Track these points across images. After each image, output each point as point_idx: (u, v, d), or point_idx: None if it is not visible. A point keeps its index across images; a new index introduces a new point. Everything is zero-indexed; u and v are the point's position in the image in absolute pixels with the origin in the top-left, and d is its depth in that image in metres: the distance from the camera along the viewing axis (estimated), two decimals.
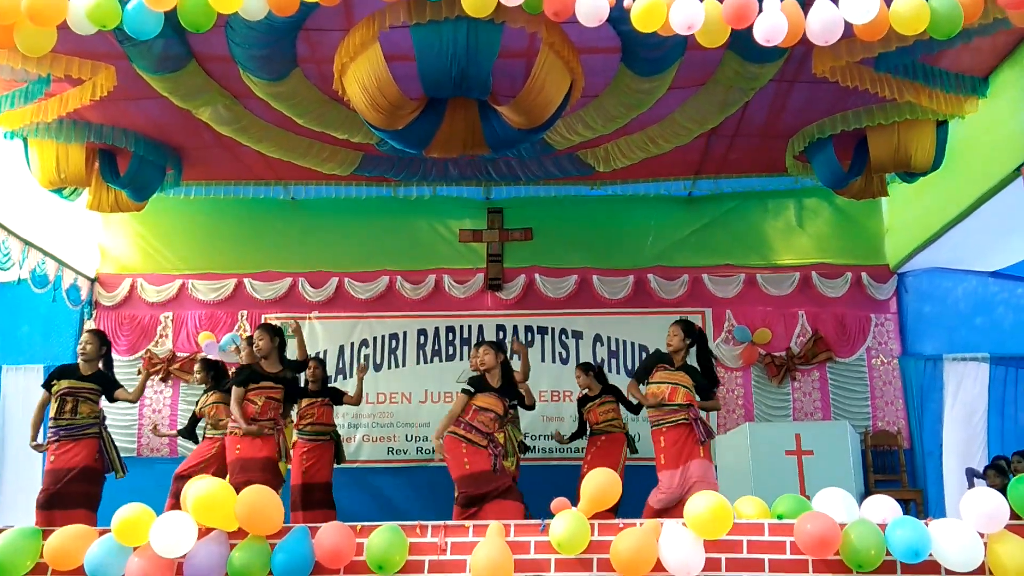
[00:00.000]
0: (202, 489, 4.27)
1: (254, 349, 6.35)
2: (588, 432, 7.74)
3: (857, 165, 7.30)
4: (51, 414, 6.32)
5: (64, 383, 6.34)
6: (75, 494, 6.09)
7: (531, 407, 7.31)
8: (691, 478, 5.92)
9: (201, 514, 4.24)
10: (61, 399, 6.30)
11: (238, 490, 5.66)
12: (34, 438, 6.50)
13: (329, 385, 7.91)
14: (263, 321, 6.69)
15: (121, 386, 6.68)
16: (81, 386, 6.37)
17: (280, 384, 6.33)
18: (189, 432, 7.99)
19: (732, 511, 4.26)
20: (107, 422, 6.65)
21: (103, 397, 6.52)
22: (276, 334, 6.43)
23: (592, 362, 8.42)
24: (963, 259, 8.62)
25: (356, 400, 7.84)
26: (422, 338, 9.35)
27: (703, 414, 6.24)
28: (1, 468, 8.48)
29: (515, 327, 9.27)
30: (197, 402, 7.96)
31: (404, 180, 8.44)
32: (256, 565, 4.22)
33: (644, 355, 8.77)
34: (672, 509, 5.81)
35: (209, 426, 7.59)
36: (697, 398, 6.24)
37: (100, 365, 6.57)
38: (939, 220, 7.70)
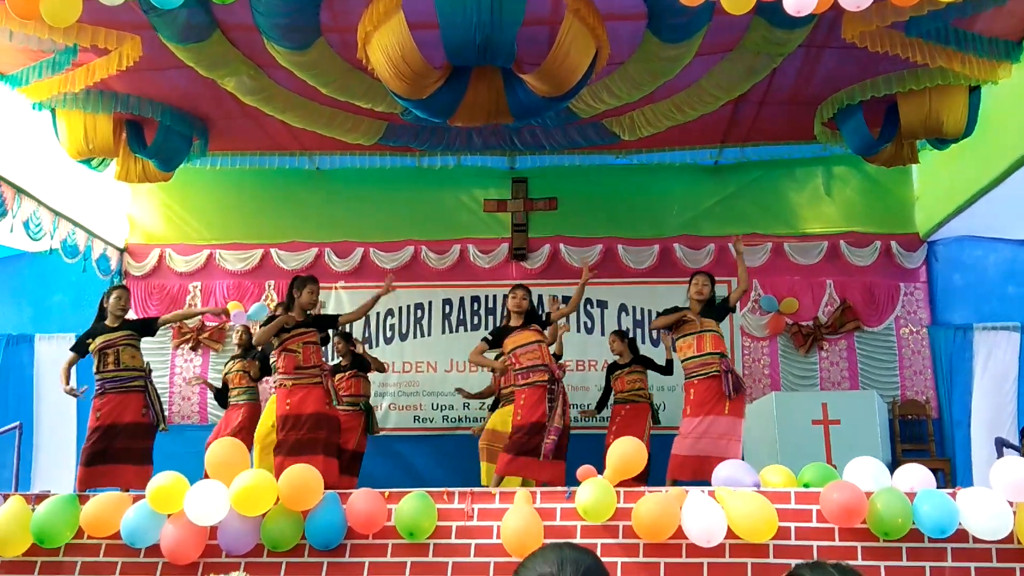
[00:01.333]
0: (243, 483, 4.30)
1: (304, 302, 6.28)
2: (612, 400, 7.75)
3: (887, 132, 7.19)
4: (94, 370, 6.26)
5: (99, 340, 6.28)
6: (125, 450, 6.06)
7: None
8: (714, 432, 5.94)
9: (244, 507, 4.28)
10: (101, 354, 6.24)
11: (293, 446, 5.72)
12: (66, 381, 6.39)
13: (356, 353, 7.92)
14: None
15: (155, 318, 6.73)
16: (115, 336, 6.29)
17: (312, 327, 6.25)
18: (221, 397, 8.08)
19: (776, 521, 4.23)
20: None
21: (142, 339, 6.46)
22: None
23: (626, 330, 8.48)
24: (995, 227, 8.50)
25: (378, 368, 7.90)
26: (447, 308, 9.38)
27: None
28: (36, 434, 8.64)
29: (540, 296, 9.25)
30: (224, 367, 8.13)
31: (428, 150, 8.43)
32: (289, 532, 4.30)
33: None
34: (699, 463, 5.83)
35: (234, 392, 7.74)
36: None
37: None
38: (970, 188, 7.59)
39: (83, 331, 6.44)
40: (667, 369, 7.69)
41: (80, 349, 6.35)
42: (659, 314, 6.56)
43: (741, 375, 6.13)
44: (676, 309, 6.44)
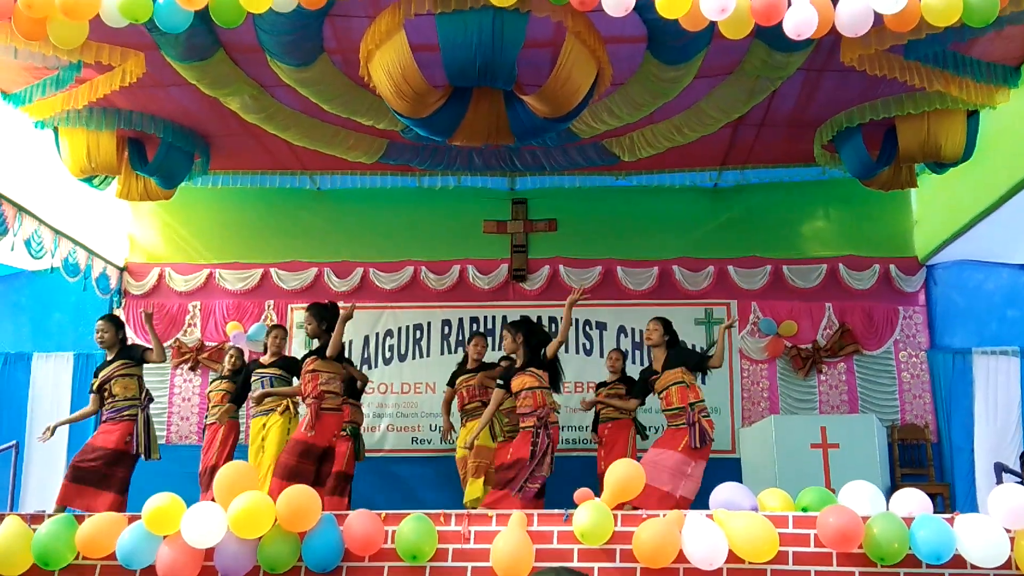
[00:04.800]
0: (241, 504, 4.28)
1: (307, 331, 6.31)
2: (596, 419, 7.72)
3: (886, 155, 7.22)
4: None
5: (100, 376, 6.43)
6: (106, 476, 6.11)
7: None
8: (667, 465, 5.95)
9: (241, 529, 4.26)
10: (102, 389, 6.39)
11: (282, 470, 5.72)
12: (52, 430, 6.49)
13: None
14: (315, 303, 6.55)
15: (147, 348, 6.64)
16: (109, 369, 6.40)
17: (311, 354, 6.19)
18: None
19: (777, 540, 4.22)
20: None
21: (139, 367, 6.47)
22: (323, 315, 6.24)
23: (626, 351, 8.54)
24: (994, 251, 8.52)
25: (361, 379, 7.78)
26: (446, 328, 9.36)
27: (704, 418, 6.14)
28: (28, 453, 8.60)
29: (539, 318, 9.20)
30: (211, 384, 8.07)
31: (429, 169, 8.45)
32: (285, 554, 4.27)
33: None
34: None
35: (213, 411, 7.71)
36: (697, 379, 6.26)
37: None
38: (969, 211, 7.61)
39: (80, 351, 6.49)
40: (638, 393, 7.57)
41: (97, 389, 6.45)
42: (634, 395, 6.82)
43: (708, 430, 6.05)
44: (642, 378, 6.62)
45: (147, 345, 6.74)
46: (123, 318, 9.25)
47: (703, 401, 6.20)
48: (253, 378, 7.05)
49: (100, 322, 6.58)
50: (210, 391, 7.95)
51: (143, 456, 6.32)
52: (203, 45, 5.98)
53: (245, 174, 8.89)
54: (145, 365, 6.56)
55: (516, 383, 6.29)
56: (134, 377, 6.43)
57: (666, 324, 6.47)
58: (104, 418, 6.36)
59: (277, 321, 9.24)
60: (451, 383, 7.77)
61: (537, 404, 6.15)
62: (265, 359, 7.14)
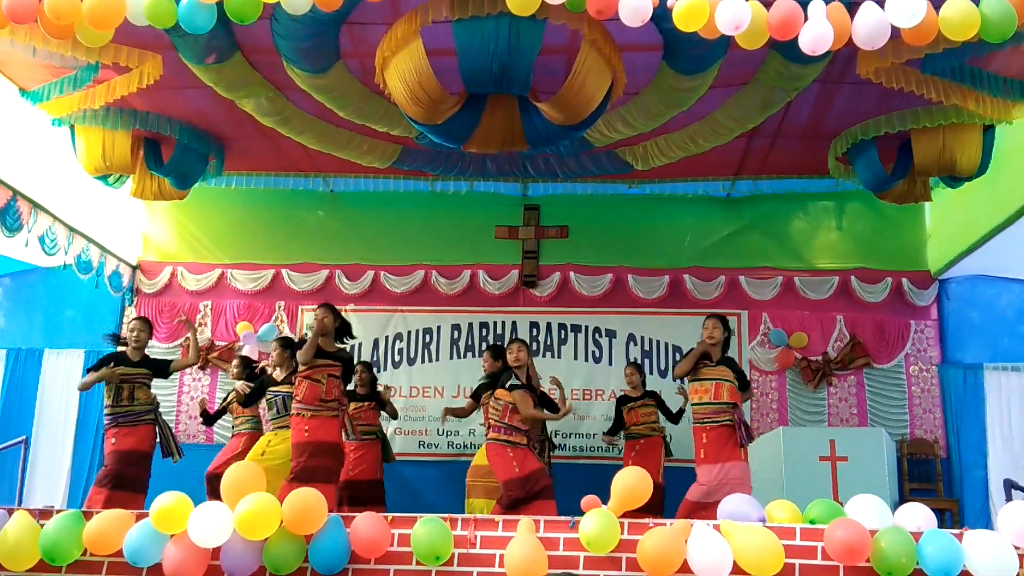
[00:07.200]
0: (248, 505, 4.27)
1: (318, 325, 6.32)
2: (625, 434, 7.73)
3: (900, 168, 7.20)
4: (107, 402, 6.35)
5: (120, 371, 6.39)
6: (135, 478, 6.24)
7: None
8: (732, 478, 5.89)
9: (247, 530, 4.26)
10: (117, 387, 6.36)
11: (301, 473, 5.80)
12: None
13: (377, 387, 7.91)
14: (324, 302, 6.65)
15: (168, 361, 6.75)
16: (135, 372, 6.43)
17: (339, 362, 6.29)
18: (210, 420, 8.18)
19: (783, 555, 4.20)
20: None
21: (154, 379, 6.57)
22: (338, 314, 6.46)
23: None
24: (1007, 267, 8.47)
25: (391, 413, 7.95)
26: (456, 333, 9.37)
27: (746, 414, 6.13)
28: (35, 449, 8.65)
29: (549, 324, 9.27)
30: (226, 397, 8.19)
31: (442, 174, 8.47)
32: (291, 556, 4.27)
33: (678, 356, 8.72)
34: (708, 505, 5.76)
35: (237, 421, 7.80)
36: (738, 390, 6.20)
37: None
38: (983, 226, 7.58)
39: (91, 348, 6.52)
40: (676, 418, 7.72)
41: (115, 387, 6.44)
42: (676, 362, 6.46)
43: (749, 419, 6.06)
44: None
45: (163, 359, 6.80)
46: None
47: None
48: (267, 396, 7.11)
49: (137, 322, 6.64)
50: (227, 402, 7.99)
51: (172, 457, 6.51)
52: (221, 47, 6.02)
53: (259, 175, 8.95)
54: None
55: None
56: (150, 387, 6.54)
57: (724, 321, 6.35)
58: (117, 422, 6.31)
59: (287, 322, 9.28)
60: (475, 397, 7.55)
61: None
62: (278, 375, 7.17)
